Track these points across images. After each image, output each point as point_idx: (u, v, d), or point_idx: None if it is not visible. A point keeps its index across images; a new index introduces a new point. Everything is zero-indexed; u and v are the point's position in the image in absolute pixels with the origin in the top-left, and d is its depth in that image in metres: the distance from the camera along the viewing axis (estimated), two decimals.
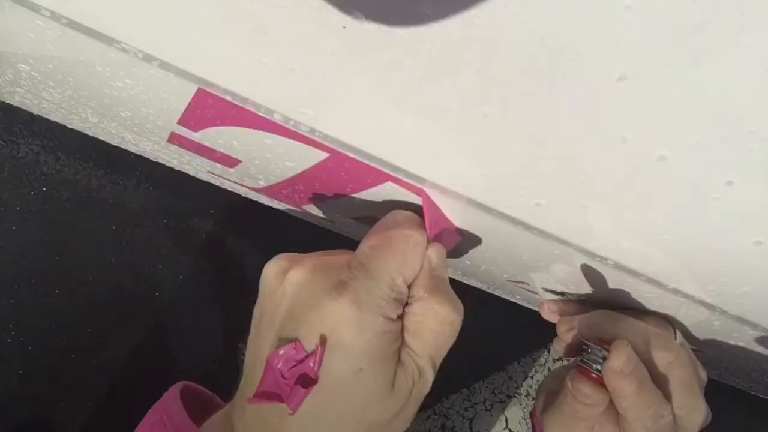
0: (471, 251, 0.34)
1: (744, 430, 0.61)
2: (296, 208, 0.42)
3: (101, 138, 0.44)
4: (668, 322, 0.34)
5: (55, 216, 0.47)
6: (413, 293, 0.27)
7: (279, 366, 0.25)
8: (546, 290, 0.37)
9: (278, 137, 0.27)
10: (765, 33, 0.16)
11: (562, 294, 0.37)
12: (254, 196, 0.44)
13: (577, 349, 0.32)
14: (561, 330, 0.34)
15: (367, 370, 0.25)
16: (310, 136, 0.26)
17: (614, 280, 0.30)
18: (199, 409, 0.33)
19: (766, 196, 0.21)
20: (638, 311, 0.33)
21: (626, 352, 0.29)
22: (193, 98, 0.26)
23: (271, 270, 0.28)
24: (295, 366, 0.24)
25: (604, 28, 0.17)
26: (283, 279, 0.27)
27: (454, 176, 0.26)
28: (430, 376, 0.28)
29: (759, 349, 0.34)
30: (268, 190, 0.38)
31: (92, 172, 0.47)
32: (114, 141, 0.43)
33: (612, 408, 0.30)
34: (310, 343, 0.25)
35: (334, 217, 0.40)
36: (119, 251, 0.48)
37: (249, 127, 0.27)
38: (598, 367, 0.30)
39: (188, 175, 0.46)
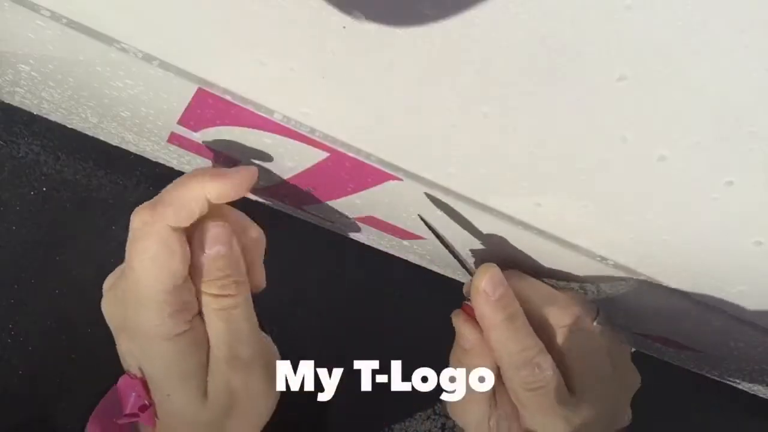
0: (475, 253, 0.34)
1: (744, 430, 0.61)
2: (296, 208, 0.42)
3: (101, 138, 0.44)
4: (594, 304, 0.33)
5: (55, 216, 0.47)
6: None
7: (127, 391, 0.27)
8: None
9: (278, 137, 0.27)
10: (765, 33, 0.16)
11: None
12: (254, 196, 0.44)
13: None
14: (465, 289, 0.33)
15: (174, 395, 0.27)
16: (310, 136, 0.26)
17: (613, 280, 0.30)
18: None
19: (766, 196, 0.21)
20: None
21: (490, 272, 0.28)
22: (193, 98, 0.26)
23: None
24: (135, 393, 0.27)
25: (604, 28, 0.17)
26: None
27: (454, 176, 0.26)
28: (242, 365, 0.27)
29: (759, 349, 0.34)
30: (268, 190, 0.38)
31: (92, 172, 0.47)
32: (114, 141, 0.43)
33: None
34: (135, 372, 0.27)
35: (334, 217, 0.40)
36: (119, 251, 0.48)
37: (249, 126, 0.27)
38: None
39: None
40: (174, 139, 0.33)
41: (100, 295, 0.29)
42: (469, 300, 0.30)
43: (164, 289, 0.25)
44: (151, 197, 0.27)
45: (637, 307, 0.33)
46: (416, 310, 0.54)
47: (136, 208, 0.26)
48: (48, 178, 0.46)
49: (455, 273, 0.44)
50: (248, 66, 0.23)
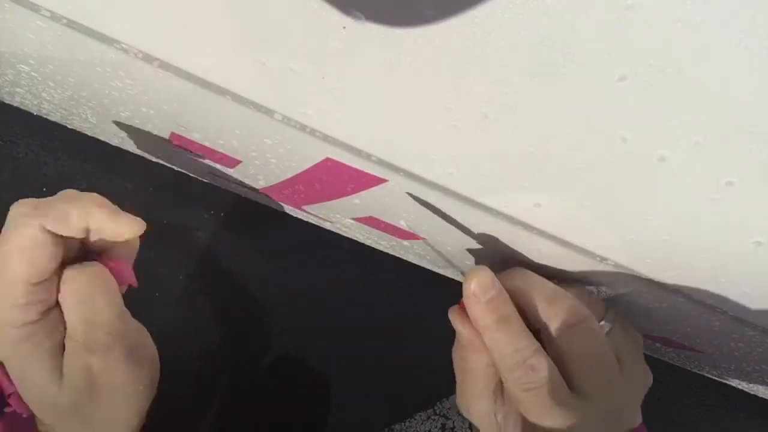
0: (474, 253, 0.34)
1: (744, 430, 0.61)
2: (296, 208, 0.42)
3: (101, 138, 0.44)
4: (605, 302, 0.32)
5: None
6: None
7: None
8: None
9: (278, 137, 0.27)
10: (765, 33, 0.16)
11: None
12: (254, 196, 0.44)
13: None
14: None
15: (27, 379, 0.27)
16: (310, 136, 0.26)
17: (613, 280, 0.30)
18: None
19: (766, 196, 0.21)
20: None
21: (480, 275, 0.28)
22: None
23: None
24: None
25: (604, 28, 0.17)
26: None
27: (454, 176, 0.26)
28: (103, 347, 0.28)
29: (759, 349, 0.34)
30: (268, 190, 0.38)
31: (92, 172, 0.47)
32: (114, 141, 0.43)
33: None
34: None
35: (334, 217, 0.40)
36: None
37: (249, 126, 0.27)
38: None
39: (188, 175, 0.46)
40: (174, 139, 0.33)
41: None
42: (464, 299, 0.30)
43: (24, 281, 0.26)
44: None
45: (637, 307, 0.33)
46: (416, 310, 0.54)
47: (19, 201, 0.27)
48: (48, 178, 0.46)
49: (455, 273, 0.44)
50: (248, 66, 0.23)
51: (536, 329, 0.30)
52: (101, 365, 0.28)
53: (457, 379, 0.33)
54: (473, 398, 0.31)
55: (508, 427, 0.30)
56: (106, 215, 0.27)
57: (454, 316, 0.31)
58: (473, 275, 0.28)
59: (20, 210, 0.27)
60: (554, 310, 0.29)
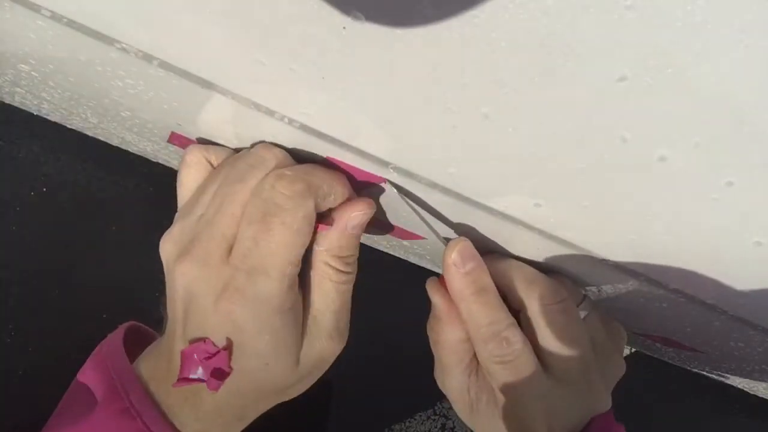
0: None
1: (744, 430, 0.61)
2: None
3: (101, 138, 0.44)
4: (581, 290, 0.33)
5: (55, 216, 0.47)
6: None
7: (195, 357, 0.26)
8: None
9: (279, 137, 0.27)
10: (765, 33, 0.16)
11: None
12: None
13: None
14: None
15: (273, 364, 0.27)
16: (310, 135, 0.26)
17: (613, 280, 0.30)
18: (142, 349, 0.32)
19: (766, 196, 0.21)
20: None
21: (462, 246, 0.28)
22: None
23: (164, 251, 0.28)
24: (208, 358, 0.26)
25: (604, 28, 0.17)
26: (174, 265, 0.27)
27: (454, 176, 0.26)
28: (337, 342, 0.28)
29: (759, 349, 0.34)
30: None
31: (92, 172, 0.47)
32: (114, 141, 0.43)
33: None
34: (218, 339, 0.26)
35: None
36: (119, 251, 0.48)
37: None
38: None
39: None
40: (174, 139, 0.33)
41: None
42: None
43: (292, 261, 0.26)
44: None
45: (637, 307, 0.33)
46: (416, 310, 0.54)
47: (290, 177, 0.26)
48: (48, 178, 0.46)
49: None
50: (248, 66, 0.23)
51: (515, 310, 0.30)
52: (333, 353, 0.29)
53: (434, 353, 0.33)
54: (446, 372, 0.32)
55: (480, 403, 0.31)
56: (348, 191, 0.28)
57: (431, 286, 0.31)
58: (454, 245, 0.29)
59: (294, 188, 0.26)
60: (533, 288, 0.29)
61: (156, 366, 0.29)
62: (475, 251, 0.29)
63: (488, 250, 0.32)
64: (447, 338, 0.31)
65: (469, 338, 0.30)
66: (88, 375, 0.29)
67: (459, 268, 0.28)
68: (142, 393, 0.27)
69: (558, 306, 0.29)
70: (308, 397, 0.30)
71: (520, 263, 0.30)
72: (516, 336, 0.28)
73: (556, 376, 0.29)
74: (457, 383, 0.31)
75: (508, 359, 0.28)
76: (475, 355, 0.31)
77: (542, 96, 0.20)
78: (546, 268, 0.31)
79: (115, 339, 0.30)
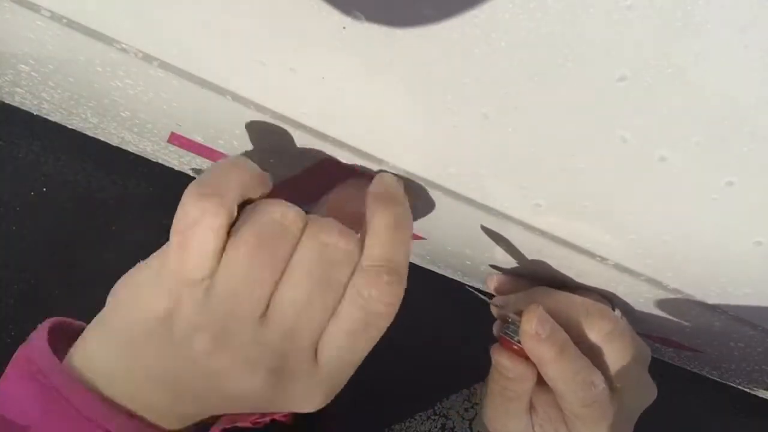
0: (479, 255, 0.34)
1: (744, 430, 0.61)
2: None
3: (101, 138, 0.44)
4: (606, 298, 0.33)
5: (55, 216, 0.47)
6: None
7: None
8: None
9: (279, 137, 0.27)
10: (765, 33, 0.16)
11: None
12: None
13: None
14: (492, 308, 0.33)
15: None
16: (310, 135, 0.26)
17: (614, 280, 0.30)
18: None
19: (766, 196, 0.21)
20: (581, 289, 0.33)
21: (537, 314, 0.29)
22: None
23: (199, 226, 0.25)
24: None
25: (604, 28, 0.17)
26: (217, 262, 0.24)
27: (454, 176, 0.26)
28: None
29: (759, 349, 0.34)
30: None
31: (92, 172, 0.47)
32: (114, 141, 0.43)
33: (546, 387, 0.30)
34: None
35: None
36: (119, 251, 0.48)
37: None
38: (519, 338, 0.29)
39: (188, 175, 0.46)
40: (174, 139, 0.33)
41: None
42: (502, 333, 0.31)
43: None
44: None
45: (637, 307, 0.33)
46: (417, 310, 0.54)
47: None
48: (48, 178, 0.46)
49: (455, 273, 0.44)
50: (248, 66, 0.23)
51: (576, 342, 0.30)
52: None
53: (493, 404, 0.33)
54: (513, 419, 0.32)
55: None
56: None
57: (500, 354, 0.31)
58: (531, 315, 0.29)
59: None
60: (592, 321, 0.30)
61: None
62: (547, 314, 0.29)
63: (484, 248, 0.32)
64: (519, 394, 0.31)
65: (533, 384, 0.31)
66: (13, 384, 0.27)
67: (542, 336, 0.29)
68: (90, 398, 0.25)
69: (617, 330, 0.30)
70: None
71: (566, 295, 0.31)
72: (598, 377, 0.29)
73: (618, 397, 0.30)
74: (524, 425, 0.32)
75: (595, 401, 0.29)
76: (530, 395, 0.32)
77: (542, 96, 0.20)
78: (546, 269, 0.31)
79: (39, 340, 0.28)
